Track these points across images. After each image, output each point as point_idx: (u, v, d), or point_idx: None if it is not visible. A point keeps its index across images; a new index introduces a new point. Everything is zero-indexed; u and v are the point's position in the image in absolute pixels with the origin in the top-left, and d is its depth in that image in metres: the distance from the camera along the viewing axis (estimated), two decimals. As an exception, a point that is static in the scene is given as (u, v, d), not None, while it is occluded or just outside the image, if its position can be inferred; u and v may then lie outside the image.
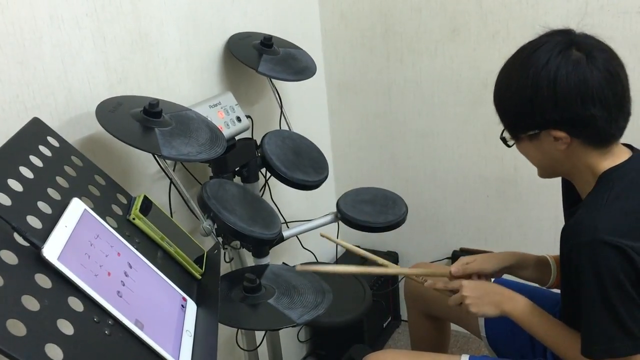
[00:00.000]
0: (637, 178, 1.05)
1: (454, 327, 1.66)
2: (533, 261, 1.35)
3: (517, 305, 1.18)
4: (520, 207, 2.00)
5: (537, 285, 1.42)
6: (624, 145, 1.10)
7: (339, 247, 2.18)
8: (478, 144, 1.99)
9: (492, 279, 1.46)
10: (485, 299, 1.20)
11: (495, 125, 1.90)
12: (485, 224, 2.08)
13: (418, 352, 1.60)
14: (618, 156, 1.07)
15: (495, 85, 1.09)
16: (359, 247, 1.40)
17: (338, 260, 2.21)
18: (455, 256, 2.15)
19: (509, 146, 1.13)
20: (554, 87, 0.98)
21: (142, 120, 1.17)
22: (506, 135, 1.12)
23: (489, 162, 1.99)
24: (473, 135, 1.98)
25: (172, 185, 1.42)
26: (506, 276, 1.47)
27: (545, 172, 1.14)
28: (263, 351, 1.69)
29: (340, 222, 1.63)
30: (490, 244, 2.08)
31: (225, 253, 1.53)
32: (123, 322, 0.76)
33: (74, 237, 0.79)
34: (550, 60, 0.99)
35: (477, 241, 2.10)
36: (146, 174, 1.40)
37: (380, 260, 1.36)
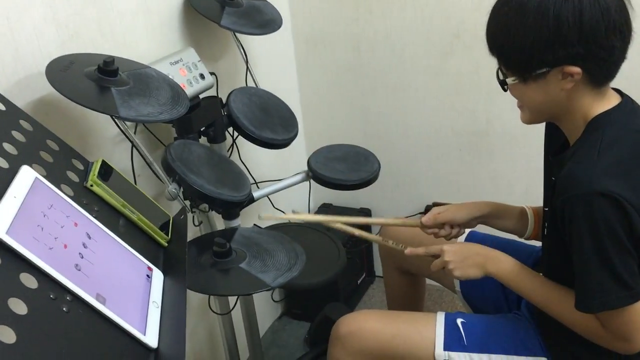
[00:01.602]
0: (628, 123, 1.03)
1: (427, 281, 1.66)
2: (510, 211, 1.34)
3: (502, 266, 1.17)
4: (492, 160, 1.99)
5: (511, 239, 1.42)
6: (614, 89, 1.08)
7: (312, 206, 2.15)
8: (450, 97, 1.95)
9: (466, 231, 1.45)
10: (468, 261, 1.19)
11: (467, 76, 1.88)
12: (457, 178, 2.07)
13: (393, 312, 1.60)
14: (609, 101, 1.04)
15: (497, 24, 1.02)
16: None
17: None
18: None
19: (505, 90, 1.08)
20: (579, 18, 0.94)
21: (97, 79, 1.10)
22: (508, 79, 1.05)
23: (460, 115, 1.96)
24: (444, 88, 1.94)
25: (134, 148, 1.35)
26: (481, 228, 1.46)
27: (537, 117, 1.10)
28: (237, 313, 1.67)
29: (311, 181, 1.59)
30: (463, 198, 2.03)
31: (193, 217, 1.48)
32: (82, 297, 0.71)
33: (24, 209, 0.73)
34: None
35: (450, 195, 2.08)
36: (106, 137, 1.33)
37: (357, 231, 1.33)
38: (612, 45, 0.97)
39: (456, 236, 1.35)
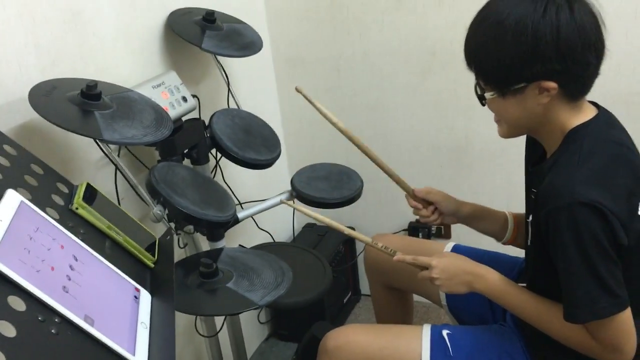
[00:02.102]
0: (604, 134, 1.06)
1: (414, 297, 1.67)
2: (491, 214, 1.37)
3: (490, 284, 1.17)
4: (472, 175, 2.02)
5: (494, 251, 1.43)
6: (590, 102, 1.11)
7: (296, 227, 2.15)
8: (429, 114, 1.98)
9: (450, 245, 1.47)
10: (455, 279, 1.19)
11: (445, 93, 1.91)
12: (439, 194, 2.09)
13: (379, 325, 1.60)
14: (585, 113, 1.07)
15: (476, 40, 1.05)
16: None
17: (295, 240, 2.19)
18: (411, 228, 2.15)
19: (483, 104, 1.11)
20: (557, 35, 0.96)
21: (80, 103, 1.10)
22: (487, 94, 1.07)
23: (440, 132, 1.99)
24: (423, 106, 1.98)
25: (117, 171, 1.35)
26: (465, 241, 1.48)
27: (515, 130, 1.13)
28: (224, 336, 1.66)
29: (295, 200, 1.60)
30: (445, 214, 2.09)
31: (178, 239, 1.48)
32: (71, 319, 0.71)
33: (10, 232, 0.73)
34: (547, 8, 0.97)
35: (432, 211, 2.10)
36: (89, 161, 1.33)
37: (347, 230, 1.33)
38: (587, 61, 0.99)
39: (433, 222, 1.37)
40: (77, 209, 0.93)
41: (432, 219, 1.36)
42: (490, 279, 1.18)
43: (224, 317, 1.63)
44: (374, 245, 1.31)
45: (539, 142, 1.14)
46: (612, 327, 1.02)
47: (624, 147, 1.07)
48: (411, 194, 1.38)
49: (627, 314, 1.02)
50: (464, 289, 1.19)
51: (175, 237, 1.45)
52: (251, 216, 1.54)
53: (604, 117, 1.09)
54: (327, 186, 1.61)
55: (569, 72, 1.00)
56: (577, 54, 0.98)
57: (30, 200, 0.83)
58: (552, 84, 1.00)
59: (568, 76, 1.00)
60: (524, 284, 1.20)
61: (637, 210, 1.04)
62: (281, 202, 1.42)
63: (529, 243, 1.18)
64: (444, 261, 1.22)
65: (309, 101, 1.32)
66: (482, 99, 1.09)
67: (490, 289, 1.17)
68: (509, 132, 1.13)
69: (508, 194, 1.95)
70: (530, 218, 1.15)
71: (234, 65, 1.79)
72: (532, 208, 1.13)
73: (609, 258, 0.99)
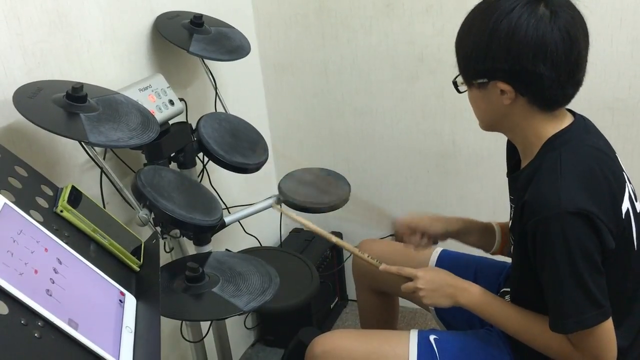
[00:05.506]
0: (583, 140, 1.07)
1: (401, 302, 1.67)
2: (478, 227, 1.37)
3: (473, 298, 1.18)
4: (459, 181, 2.03)
5: (482, 256, 1.44)
6: (566, 109, 1.11)
7: (282, 232, 2.15)
8: (416, 120, 1.99)
9: (437, 250, 1.47)
10: (440, 291, 1.20)
11: (432, 99, 1.92)
12: (426, 199, 2.09)
13: (367, 330, 1.60)
14: (562, 121, 1.08)
15: (460, 27, 1.07)
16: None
17: (282, 244, 2.18)
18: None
19: (459, 92, 1.12)
20: (511, 36, 0.97)
21: (65, 105, 1.09)
22: (458, 80, 1.10)
23: (428, 137, 2.00)
24: (411, 111, 1.98)
25: (103, 174, 1.34)
26: (450, 247, 1.48)
27: (487, 125, 1.14)
28: (210, 341, 1.65)
29: (282, 205, 1.59)
30: (432, 219, 2.09)
31: (164, 243, 1.47)
32: (54, 322, 0.70)
33: (-7, 234, 0.72)
34: (515, 9, 0.97)
35: (419, 217, 2.11)
36: (74, 164, 1.31)
37: (334, 239, 1.33)
38: (538, 72, 0.98)
39: (424, 247, 1.36)
40: (61, 211, 0.92)
41: (423, 244, 1.36)
42: (474, 292, 1.19)
43: (209, 322, 1.62)
44: (361, 255, 1.32)
45: (517, 149, 1.15)
46: (595, 337, 1.02)
47: (601, 152, 1.07)
48: (397, 229, 1.37)
49: (610, 323, 1.02)
50: (447, 302, 1.20)
51: (161, 242, 1.44)
52: (238, 220, 1.54)
53: (581, 124, 1.10)
54: (315, 191, 1.60)
55: (519, 78, 1.00)
56: (527, 61, 0.97)
57: (14, 203, 0.81)
58: (507, 87, 1.01)
59: (519, 82, 1.00)
60: (508, 289, 1.20)
61: (621, 214, 1.05)
62: (271, 207, 1.41)
63: (512, 250, 1.19)
64: (430, 273, 1.23)
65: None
66: (455, 85, 1.11)
67: (474, 302, 1.18)
68: (481, 125, 1.14)
69: (494, 199, 1.96)
70: (510, 224, 1.15)
71: (222, 69, 1.79)
72: (512, 215, 1.13)
73: (596, 268, 0.99)
